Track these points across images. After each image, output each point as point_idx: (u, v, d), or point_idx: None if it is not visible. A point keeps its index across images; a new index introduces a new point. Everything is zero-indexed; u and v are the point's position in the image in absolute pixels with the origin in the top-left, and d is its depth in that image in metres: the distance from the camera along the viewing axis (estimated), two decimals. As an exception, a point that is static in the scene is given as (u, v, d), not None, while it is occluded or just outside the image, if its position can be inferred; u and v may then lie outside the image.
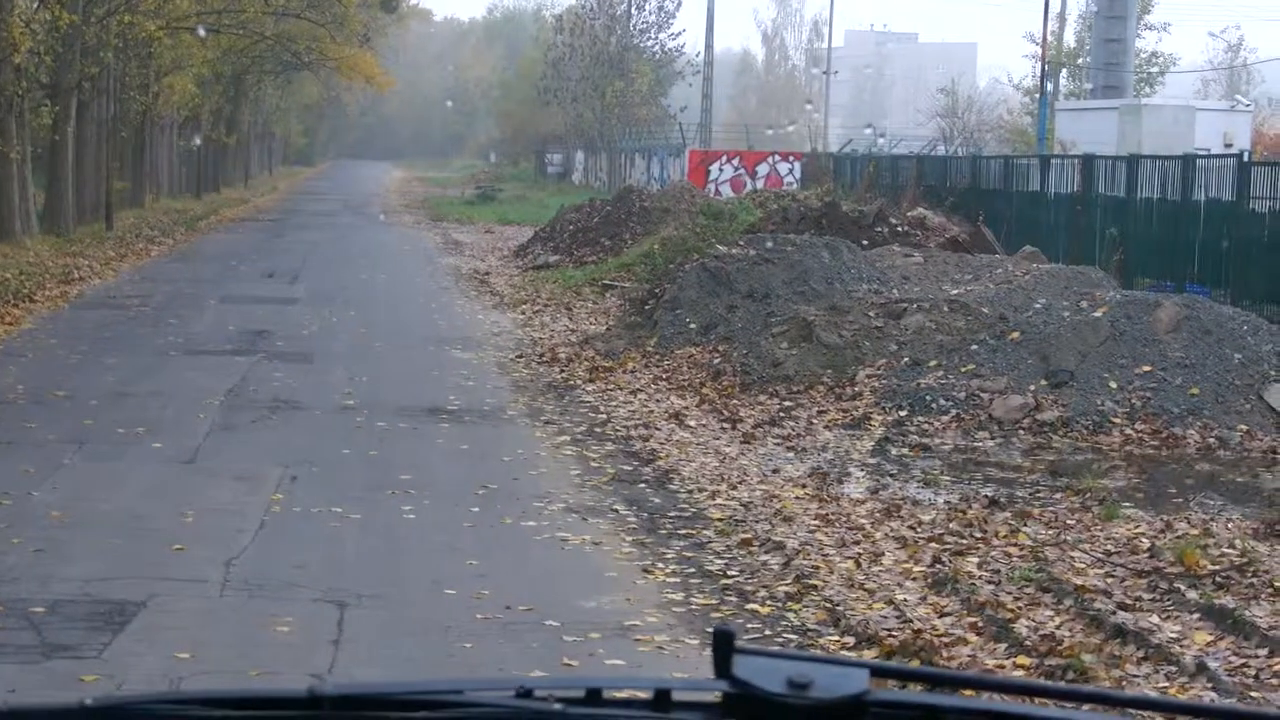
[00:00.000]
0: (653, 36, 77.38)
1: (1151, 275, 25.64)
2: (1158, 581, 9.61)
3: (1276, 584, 9.48)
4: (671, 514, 11.67)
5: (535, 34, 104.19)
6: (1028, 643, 8.46)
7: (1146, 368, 15.55)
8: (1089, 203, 28.71)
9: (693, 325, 19.65)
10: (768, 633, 8.84)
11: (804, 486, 12.52)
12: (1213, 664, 8.10)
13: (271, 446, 13.86)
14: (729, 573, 10.08)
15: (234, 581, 9.41)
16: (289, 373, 18.02)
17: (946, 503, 12.05)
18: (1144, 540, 10.71)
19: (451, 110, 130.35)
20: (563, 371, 18.57)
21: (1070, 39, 69.85)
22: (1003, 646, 8.47)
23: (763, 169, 51.84)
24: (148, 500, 11.56)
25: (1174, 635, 8.59)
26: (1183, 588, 9.43)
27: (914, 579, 9.82)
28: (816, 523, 11.25)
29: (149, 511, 11.18)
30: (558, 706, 1.86)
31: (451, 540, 10.68)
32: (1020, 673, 8.08)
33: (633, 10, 76.39)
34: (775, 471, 13.16)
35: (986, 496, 12.19)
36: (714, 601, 9.44)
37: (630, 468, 13.38)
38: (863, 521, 11.29)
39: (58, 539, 10.23)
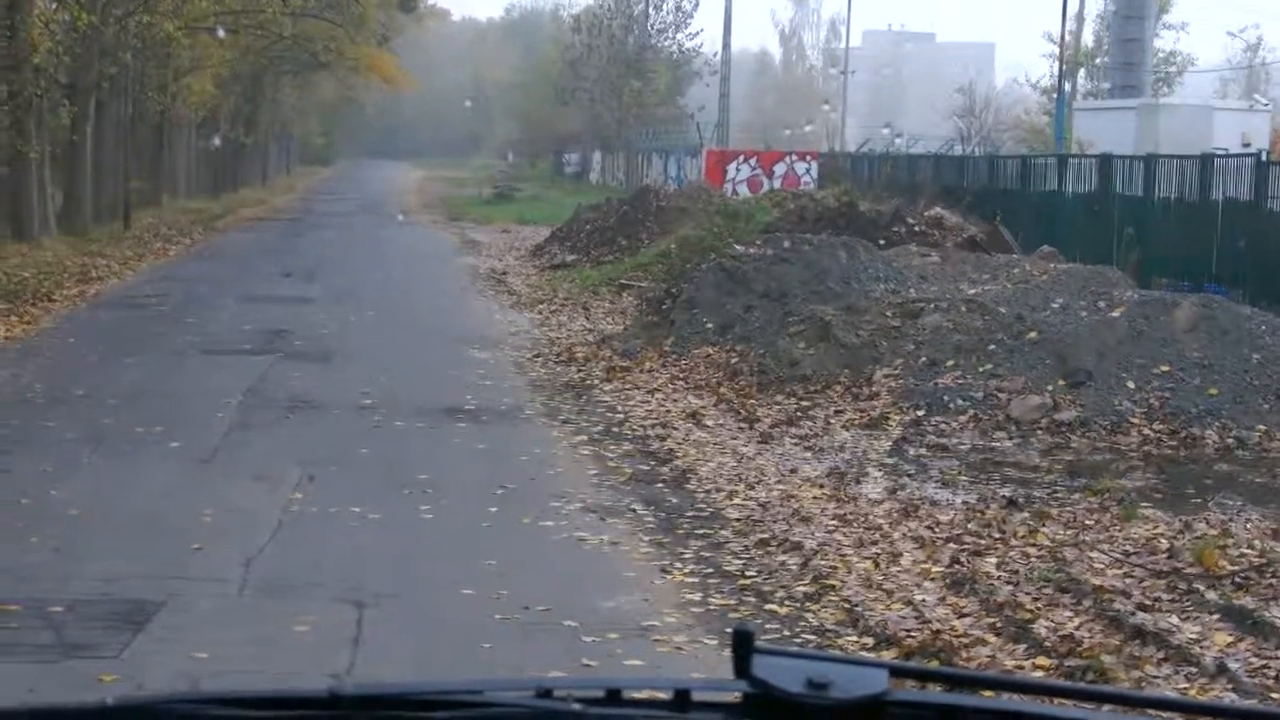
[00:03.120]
0: (670, 36, 77.41)
1: (1169, 275, 25.57)
2: (1177, 582, 9.59)
3: (1296, 584, 9.46)
4: (689, 514, 11.67)
5: (553, 34, 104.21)
6: (1047, 643, 8.45)
7: (1164, 367, 15.52)
8: (1106, 202, 28.66)
9: (710, 325, 19.64)
10: (786, 633, 8.83)
11: (821, 486, 12.51)
12: (1233, 665, 8.08)
13: (289, 446, 13.88)
14: (747, 573, 10.08)
15: (253, 581, 9.42)
16: (307, 372, 18.05)
17: (964, 503, 12.03)
18: (1163, 541, 10.69)
19: (469, 110, 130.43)
20: (580, 371, 18.57)
21: (1088, 38, 69.76)
22: (1022, 647, 8.45)
23: (780, 169, 51.74)
24: (166, 499, 11.58)
25: (1194, 636, 8.56)
26: (1202, 588, 9.41)
27: (932, 579, 9.81)
28: (834, 523, 11.24)
29: (167, 511, 11.20)
30: (577, 706, 1.86)
31: (469, 540, 10.68)
32: (1039, 673, 8.07)
33: (650, 10, 76.40)
34: (793, 471, 13.14)
35: (1004, 497, 12.17)
36: (732, 602, 9.43)
37: (648, 467, 13.38)
38: (881, 522, 11.27)
39: (76, 538, 10.25)
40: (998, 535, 10.85)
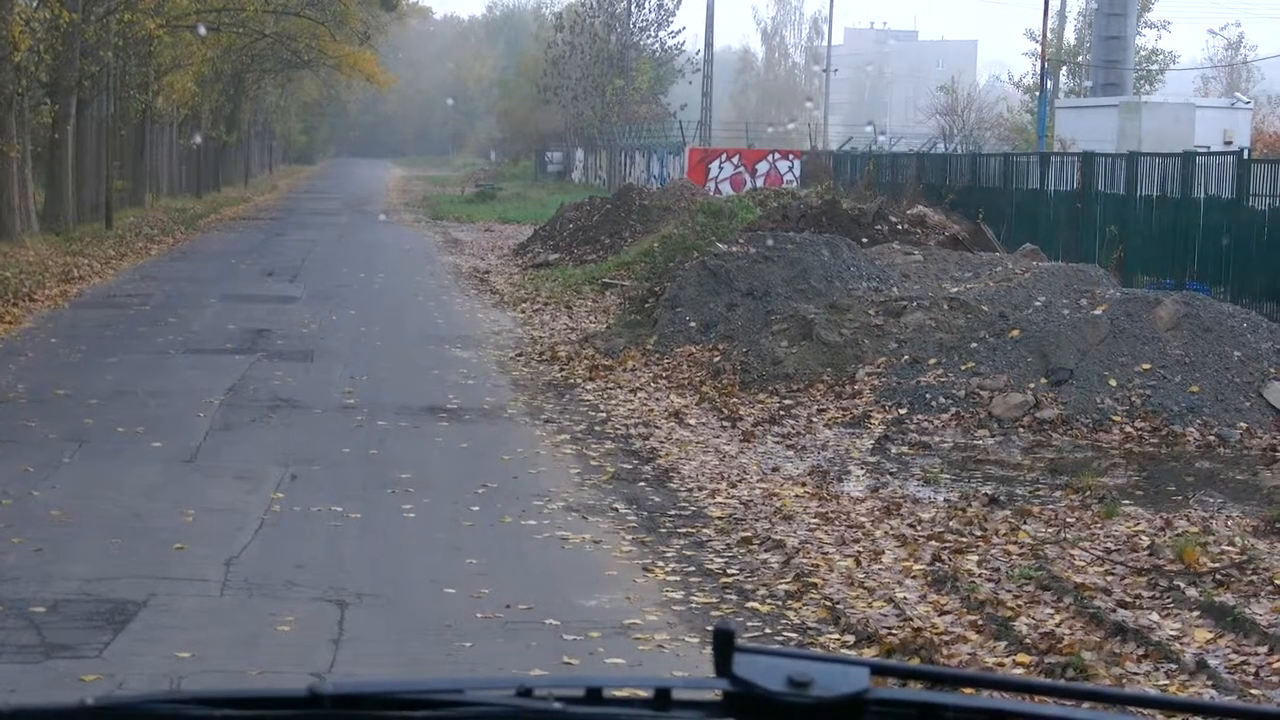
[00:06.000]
0: (652, 34, 77.39)
1: (1151, 273, 25.63)
2: (1157, 579, 9.61)
3: (1276, 581, 9.49)
4: (671, 512, 11.68)
5: (535, 32, 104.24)
6: (1028, 640, 8.47)
7: (1146, 365, 15.56)
8: (1089, 200, 28.69)
9: (693, 323, 19.65)
10: (768, 631, 8.84)
11: (804, 485, 12.52)
12: (1213, 661, 8.10)
13: (271, 445, 13.86)
14: (729, 571, 10.08)
15: (234, 581, 9.41)
16: (289, 371, 18.02)
17: (946, 501, 12.06)
18: (1144, 538, 10.72)
19: (451, 108, 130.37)
20: (562, 370, 18.57)
21: (1070, 36, 69.95)
22: (1003, 644, 8.47)
23: (762, 167, 51.82)
24: (148, 499, 11.56)
25: (1174, 633, 8.59)
26: (1182, 585, 9.44)
27: (914, 577, 9.82)
28: (816, 521, 11.26)
29: (149, 511, 11.18)
30: (558, 705, 1.86)
31: (451, 539, 10.68)
32: (1020, 670, 8.09)
33: (632, 8, 76.38)
34: (775, 470, 13.16)
35: (986, 494, 12.20)
36: (714, 600, 9.44)
37: (630, 466, 13.38)
38: (862, 520, 11.29)
39: (58, 538, 10.23)
40: (979, 533, 10.88)
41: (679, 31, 79.31)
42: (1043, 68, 49.53)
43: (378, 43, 67.17)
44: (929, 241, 26.68)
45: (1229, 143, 35.27)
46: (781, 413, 15.64)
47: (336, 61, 58.54)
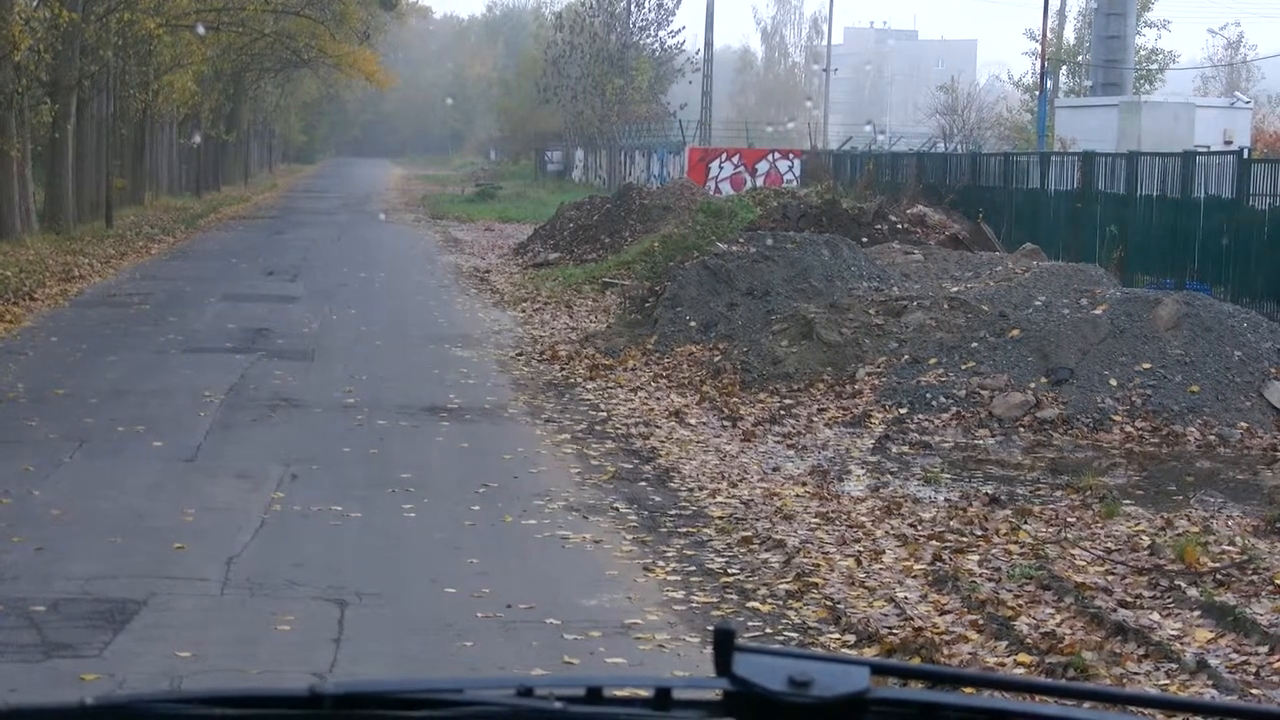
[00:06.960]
0: (652, 34, 77.29)
1: (1151, 272, 25.62)
2: (1158, 579, 9.61)
3: (1277, 581, 9.49)
4: (672, 512, 11.67)
5: (535, 31, 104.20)
6: (1028, 640, 8.47)
7: (1146, 365, 15.55)
8: (1089, 200, 28.69)
9: (693, 323, 19.65)
10: (768, 631, 8.84)
11: (804, 484, 12.52)
12: (1213, 661, 8.10)
13: (272, 445, 13.85)
14: (729, 571, 10.08)
15: (235, 580, 9.41)
16: (289, 371, 18.02)
17: (947, 500, 12.05)
18: (1144, 538, 10.71)
19: (451, 108, 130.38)
20: (563, 369, 18.57)
21: (1070, 36, 69.92)
22: (1003, 644, 8.47)
23: (762, 166, 51.83)
24: (148, 499, 11.56)
25: (1175, 633, 8.59)
26: (1183, 585, 9.44)
27: (914, 577, 9.82)
28: (817, 521, 11.25)
29: (150, 510, 11.18)
30: (558, 705, 1.85)
31: (452, 539, 10.68)
32: (1021, 670, 8.09)
33: (632, 8, 76.33)
34: (775, 469, 13.16)
35: (987, 494, 12.19)
36: (714, 599, 9.44)
37: (630, 466, 13.38)
38: (863, 519, 11.29)
39: (58, 537, 10.23)
40: (980, 533, 10.88)
41: (679, 31, 79.22)
42: (1042, 67, 49.53)
43: (377, 42, 67.13)
44: (929, 241, 26.71)
45: (1229, 142, 35.26)
46: (782, 412, 15.63)
47: (336, 61, 58.54)
